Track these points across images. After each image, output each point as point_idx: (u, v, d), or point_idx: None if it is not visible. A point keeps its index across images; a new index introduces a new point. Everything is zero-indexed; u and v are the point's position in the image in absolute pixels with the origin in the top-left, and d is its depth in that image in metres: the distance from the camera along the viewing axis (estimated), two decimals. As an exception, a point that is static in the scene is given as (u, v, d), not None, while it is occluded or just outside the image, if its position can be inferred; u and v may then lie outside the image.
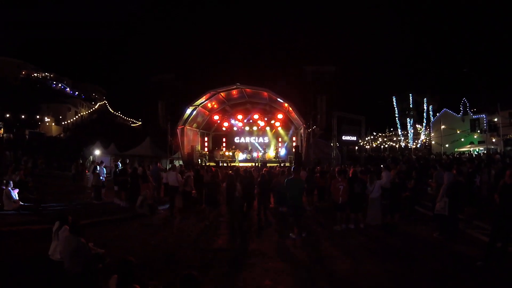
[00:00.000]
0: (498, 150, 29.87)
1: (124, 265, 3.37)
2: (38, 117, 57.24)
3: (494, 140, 34.39)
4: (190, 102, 20.54)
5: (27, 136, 45.39)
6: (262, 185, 9.86)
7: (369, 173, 9.33)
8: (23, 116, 53.76)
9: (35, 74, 76.32)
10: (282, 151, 23.63)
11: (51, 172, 23.51)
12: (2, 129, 46.35)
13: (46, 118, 58.45)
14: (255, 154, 22.90)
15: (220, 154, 23.80)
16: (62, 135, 57.25)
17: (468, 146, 35.90)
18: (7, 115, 50.86)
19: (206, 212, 9.39)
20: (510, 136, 34.23)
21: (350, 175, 9.13)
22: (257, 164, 20.09)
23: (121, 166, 16.99)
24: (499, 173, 11.09)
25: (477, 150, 33.32)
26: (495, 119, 34.38)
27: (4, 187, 10.09)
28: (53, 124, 59.30)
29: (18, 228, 8.22)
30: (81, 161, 22.80)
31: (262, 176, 10.07)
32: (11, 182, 10.43)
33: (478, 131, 36.67)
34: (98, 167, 13.57)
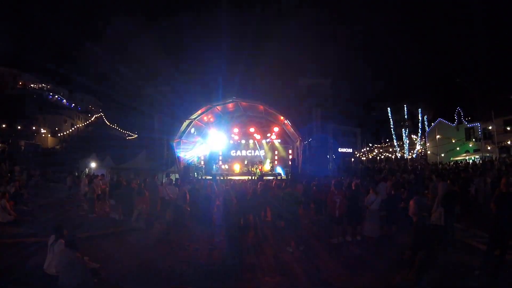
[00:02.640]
0: (494, 158, 30.02)
1: None
2: (34, 128, 56.94)
3: (489, 148, 34.58)
4: (186, 116, 20.62)
5: (22, 147, 45.09)
6: (254, 199, 9.86)
7: (371, 185, 9.36)
8: (19, 127, 53.47)
9: (32, 85, 76.23)
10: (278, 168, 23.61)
11: (46, 184, 23.32)
12: (-3, 139, 45.99)
13: (42, 129, 58.11)
14: (251, 168, 22.89)
15: (216, 168, 23.79)
16: (58, 147, 56.91)
17: (464, 154, 36.02)
18: (3, 126, 50.58)
19: (198, 232, 8.61)
20: (505, 143, 34.49)
21: (353, 187, 9.14)
22: (253, 177, 20.09)
23: (116, 179, 16.90)
24: (495, 181, 11.16)
25: (473, 158, 33.49)
26: (490, 127, 34.63)
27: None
28: (49, 135, 58.95)
29: (13, 240, 8.16)
30: (76, 174, 22.68)
31: (254, 190, 10.08)
32: (7, 194, 10.38)
33: (473, 139, 36.91)
34: (93, 180, 13.50)
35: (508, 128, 35.06)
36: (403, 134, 47.29)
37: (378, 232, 8.61)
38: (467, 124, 38.26)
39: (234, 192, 9.38)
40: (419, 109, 46.16)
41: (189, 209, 10.89)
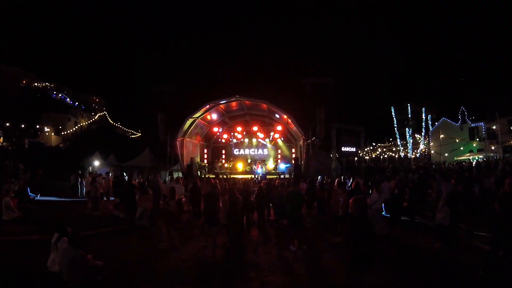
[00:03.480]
0: (498, 158, 29.79)
1: None
2: (38, 126, 57.23)
3: (493, 147, 34.34)
4: (189, 114, 20.63)
5: (26, 146, 45.34)
6: (258, 198, 9.84)
7: (374, 184, 9.31)
8: (23, 126, 53.72)
9: (36, 84, 76.59)
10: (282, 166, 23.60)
11: (49, 182, 23.41)
12: (1, 138, 46.27)
13: (46, 128, 58.37)
14: (254, 166, 22.89)
15: (219, 166, 23.82)
16: (61, 145, 57.14)
17: (468, 154, 35.85)
18: (7, 124, 50.81)
19: (205, 231, 8.38)
20: (509, 143, 34.22)
21: (353, 186, 9.09)
22: (256, 176, 20.07)
23: (120, 177, 16.94)
24: (499, 180, 11.08)
25: (477, 158, 33.26)
26: (494, 127, 34.45)
27: (4, 197, 10.06)
28: (52, 134, 59.21)
29: (17, 238, 8.18)
30: (80, 172, 22.73)
31: (259, 189, 10.06)
32: (11, 192, 10.42)
33: (477, 139, 36.64)
34: (97, 178, 13.53)
35: (512, 128, 34.76)
36: (407, 134, 47.12)
37: (383, 231, 8.54)
38: (471, 123, 37.99)
39: (237, 190, 9.34)
40: (423, 108, 46.02)
41: (187, 208, 10.89)
